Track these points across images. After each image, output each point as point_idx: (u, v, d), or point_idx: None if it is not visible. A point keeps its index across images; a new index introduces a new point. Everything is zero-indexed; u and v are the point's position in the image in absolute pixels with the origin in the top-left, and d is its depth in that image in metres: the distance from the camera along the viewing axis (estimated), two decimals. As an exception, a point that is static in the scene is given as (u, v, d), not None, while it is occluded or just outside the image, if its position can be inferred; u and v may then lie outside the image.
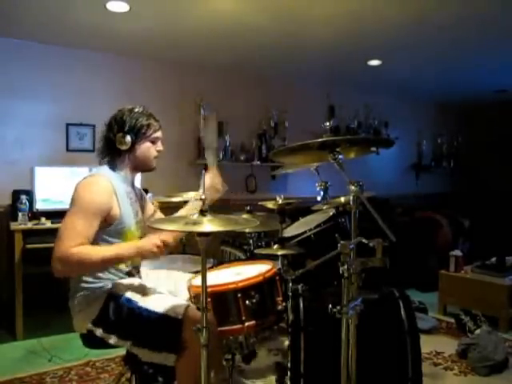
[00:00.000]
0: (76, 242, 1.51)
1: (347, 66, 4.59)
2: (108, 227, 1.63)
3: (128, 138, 1.70)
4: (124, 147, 1.71)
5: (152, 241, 1.57)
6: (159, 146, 1.81)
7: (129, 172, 1.79)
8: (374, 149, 1.68)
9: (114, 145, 1.71)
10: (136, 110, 1.75)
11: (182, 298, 1.69)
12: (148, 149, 1.76)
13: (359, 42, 3.80)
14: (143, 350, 1.56)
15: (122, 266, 1.72)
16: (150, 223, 1.53)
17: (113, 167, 1.75)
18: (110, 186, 1.64)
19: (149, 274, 1.92)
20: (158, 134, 1.80)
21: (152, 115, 1.79)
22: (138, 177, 3.58)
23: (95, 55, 3.98)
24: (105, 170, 1.73)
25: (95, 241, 1.60)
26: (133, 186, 1.83)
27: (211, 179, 1.94)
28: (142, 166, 1.80)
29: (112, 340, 1.58)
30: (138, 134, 1.72)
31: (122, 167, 1.76)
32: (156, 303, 1.60)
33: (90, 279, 1.64)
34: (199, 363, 1.36)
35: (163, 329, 1.53)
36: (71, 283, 1.68)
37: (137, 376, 1.80)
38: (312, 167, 2.33)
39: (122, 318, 1.58)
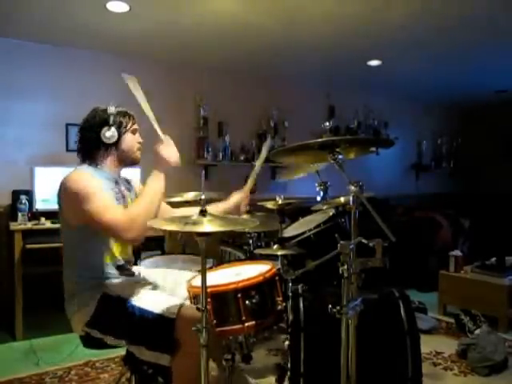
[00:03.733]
0: (118, 208, 1.61)
1: (347, 66, 4.59)
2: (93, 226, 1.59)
3: (113, 130, 1.72)
4: (111, 140, 1.72)
5: (170, 149, 1.69)
6: (139, 137, 1.84)
7: (113, 168, 1.79)
8: (373, 149, 1.68)
9: (97, 143, 1.73)
10: (110, 108, 1.77)
11: (180, 297, 1.68)
12: (131, 139, 1.79)
13: (359, 42, 3.80)
14: (138, 348, 1.57)
15: (114, 260, 1.71)
16: (150, 223, 1.53)
17: (94, 165, 1.75)
18: (95, 179, 1.64)
19: (147, 274, 1.91)
20: (136, 125, 1.83)
21: (126, 111, 1.81)
22: (136, 175, 3.61)
23: (95, 55, 3.98)
24: (86, 167, 1.73)
25: (80, 243, 1.64)
26: (116, 182, 1.80)
27: (240, 199, 2.08)
28: (128, 159, 1.80)
29: (109, 340, 1.59)
30: (121, 127, 1.75)
31: (106, 164, 1.76)
32: (149, 302, 1.60)
33: (83, 281, 1.64)
34: (195, 363, 1.35)
35: (156, 328, 1.53)
36: (65, 286, 1.68)
37: (137, 376, 1.80)
38: (313, 170, 2.33)
39: (116, 318, 1.58)
